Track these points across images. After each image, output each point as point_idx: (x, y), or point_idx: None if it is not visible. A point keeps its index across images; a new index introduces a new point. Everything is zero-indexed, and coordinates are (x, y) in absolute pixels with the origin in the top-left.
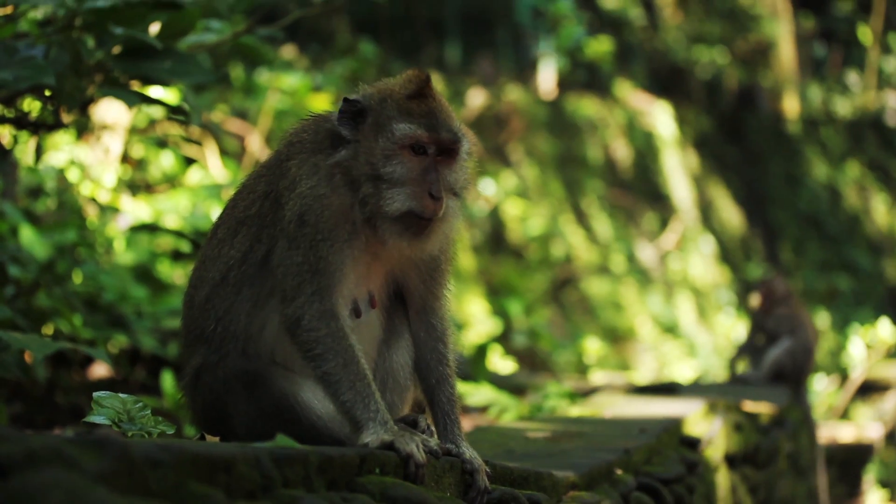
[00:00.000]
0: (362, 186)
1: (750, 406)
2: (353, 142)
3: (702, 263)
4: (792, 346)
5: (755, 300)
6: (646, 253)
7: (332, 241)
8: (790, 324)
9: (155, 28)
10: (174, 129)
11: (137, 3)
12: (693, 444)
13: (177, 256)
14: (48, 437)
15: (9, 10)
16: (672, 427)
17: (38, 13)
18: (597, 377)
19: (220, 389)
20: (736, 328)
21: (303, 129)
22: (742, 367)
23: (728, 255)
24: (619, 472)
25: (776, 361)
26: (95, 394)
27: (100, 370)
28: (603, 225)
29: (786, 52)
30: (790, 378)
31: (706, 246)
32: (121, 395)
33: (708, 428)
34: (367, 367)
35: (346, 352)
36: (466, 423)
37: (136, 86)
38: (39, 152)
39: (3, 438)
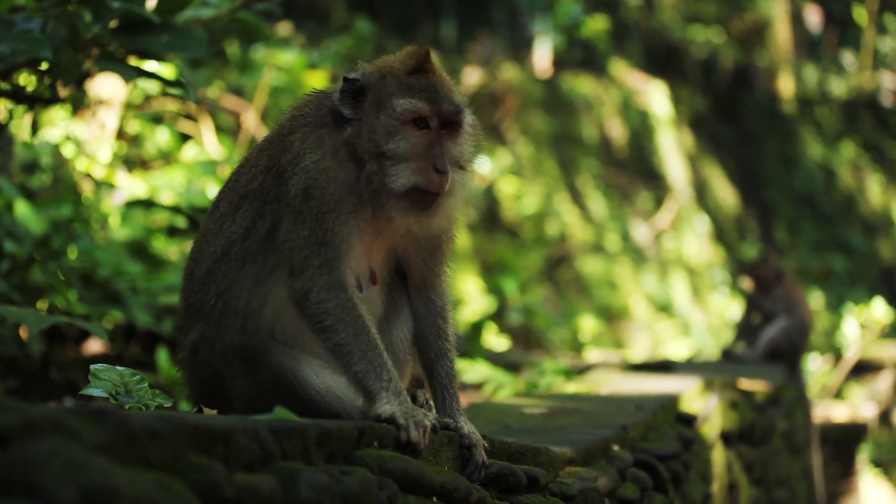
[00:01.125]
0: (366, 164)
1: (745, 384)
2: (356, 120)
3: (696, 243)
4: (788, 325)
5: (746, 282)
6: (640, 232)
7: (337, 212)
8: (786, 303)
9: (152, 2)
10: (170, 105)
11: None
12: (689, 421)
13: (172, 232)
14: (47, 407)
15: None
16: (668, 404)
17: None
18: (591, 355)
19: (218, 364)
20: (730, 307)
21: (305, 104)
22: (739, 347)
23: (722, 234)
24: (615, 448)
25: (772, 340)
26: (93, 366)
27: (94, 346)
28: (597, 204)
29: (781, 32)
30: (785, 356)
31: (701, 225)
32: (118, 367)
33: (704, 405)
34: (378, 338)
35: (357, 322)
36: (462, 400)
37: (132, 60)
38: (35, 127)
39: (1, 408)
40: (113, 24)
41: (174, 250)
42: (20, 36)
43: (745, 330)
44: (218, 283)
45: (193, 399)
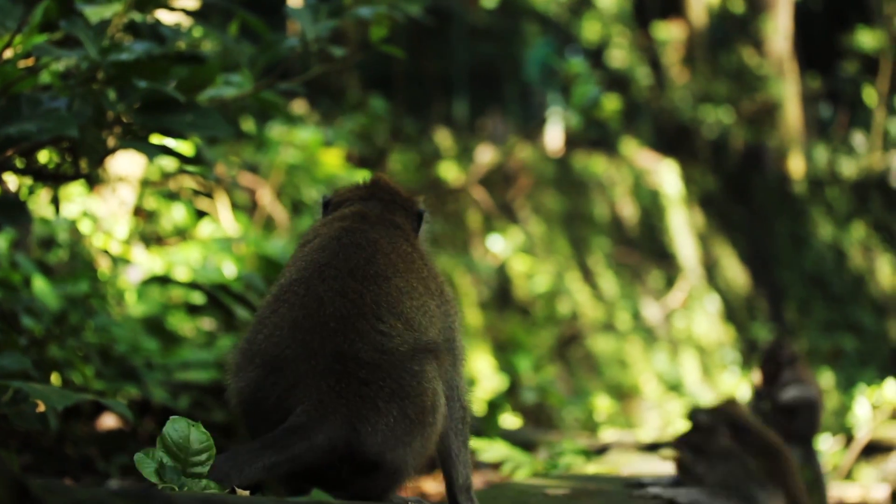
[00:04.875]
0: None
1: None
2: None
3: (707, 322)
4: (802, 407)
5: (758, 364)
6: (651, 311)
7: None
8: (797, 386)
9: (174, 81)
10: (187, 182)
11: (160, 56)
12: None
13: (193, 310)
14: (94, 489)
15: (30, 62)
16: None
17: (59, 65)
18: (606, 434)
19: None
20: (740, 387)
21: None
22: None
23: (733, 314)
24: None
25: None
26: (137, 455)
27: (108, 421)
28: (609, 282)
29: (792, 113)
30: (801, 438)
31: (711, 304)
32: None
33: None
34: None
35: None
36: (478, 480)
37: (154, 138)
38: (57, 205)
39: (50, 491)
40: (136, 103)
41: (190, 327)
42: (47, 114)
43: (757, 413)
44: None
45: None
